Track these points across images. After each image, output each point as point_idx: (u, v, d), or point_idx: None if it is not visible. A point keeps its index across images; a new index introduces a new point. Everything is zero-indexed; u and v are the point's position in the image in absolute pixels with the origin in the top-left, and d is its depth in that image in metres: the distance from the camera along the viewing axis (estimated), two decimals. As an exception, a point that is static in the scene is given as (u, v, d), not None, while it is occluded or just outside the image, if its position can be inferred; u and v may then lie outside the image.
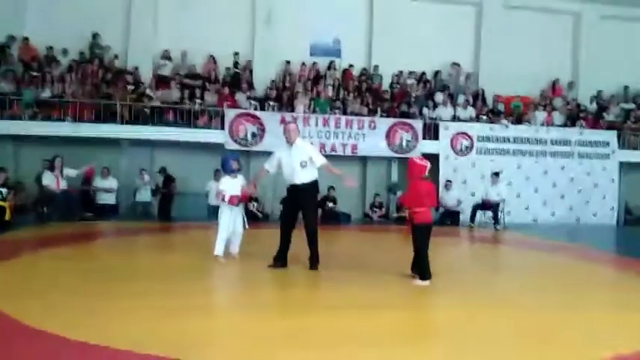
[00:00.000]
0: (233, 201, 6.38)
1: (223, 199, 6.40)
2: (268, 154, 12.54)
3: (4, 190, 9.77)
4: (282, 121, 12.90)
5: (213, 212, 12.49)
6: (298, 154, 6.25)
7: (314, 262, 6.25)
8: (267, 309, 4.63)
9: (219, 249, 6.44)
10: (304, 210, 6.33)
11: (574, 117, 15.05)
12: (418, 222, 5.73)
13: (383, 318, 4.26)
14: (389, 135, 13.47)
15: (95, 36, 13.63)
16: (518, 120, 14.77)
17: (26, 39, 13.30)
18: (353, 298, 5.05)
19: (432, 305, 4.79)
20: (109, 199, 12.29)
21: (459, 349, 3.53)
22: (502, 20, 15.63)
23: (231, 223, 6.44)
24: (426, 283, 5.54)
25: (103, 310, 4.19)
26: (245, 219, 6.69)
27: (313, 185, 6.35)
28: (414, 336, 3.81)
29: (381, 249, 8.37)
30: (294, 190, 6.30)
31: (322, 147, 12.48)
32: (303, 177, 6.23)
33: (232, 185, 6.44)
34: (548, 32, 15.91)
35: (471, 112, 14.43)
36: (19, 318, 3.78)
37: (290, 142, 6.32)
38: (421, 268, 5.64)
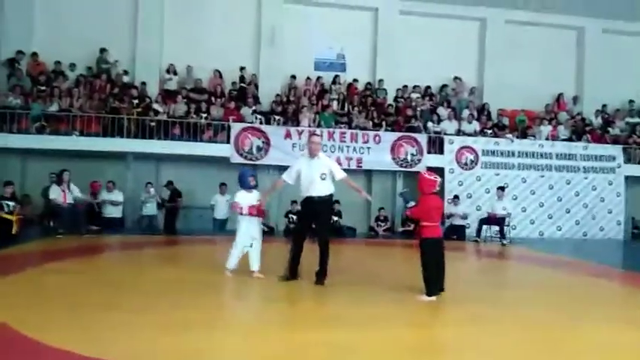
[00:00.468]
0: (252, 211, 6.34)
1: (241, 212, 6.36)
2: (273, 167, 12.96)
3: (11, 204, 9.85)
4: (287, 135, 13.00)
5: (219, 226, 12.70)
6: (319, 166, 6.27)
7: (321, 276, 6.19)
8: (271, 324, 4.61)
9: (231, 263, 6.39)
10: (319, 223, 6.31)
11: (579, 131, 15.04)
12: (427, 236, 5.70)
13: (389, 334, 4.23)
14: (394, 149, 13.50)
15: (102, 51, 13.79)
16: (523, 134, 14.77)
17: (35, 54, 13.47)
18: (360, 313, 5.02)
19: (439, 321, 4.75)
20: (115, 212, 12.34)
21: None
22: (506, 35, 15.74)
23: (248, 237, 6.36)
24: (432, 298, 5.50)
25: (104, 323, 4.19)
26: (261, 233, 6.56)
27: (330, 199, 6.37)
28: (421, 352, 3.77)
29: (387, 263, 8.35)
30: (310, 202, 6.26)
31: (327, 161, 12.50)
32: (322, 190, 6.23)
33: (249, 199, 6.43)
34: (551, 47, 15.99)
35: (475, 126, 14.46)
36: (21, 330, 3.78)
37: (313, 154, 6.31)
38: (427, 283, 5.59)
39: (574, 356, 3.81)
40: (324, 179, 6.23)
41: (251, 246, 6.39)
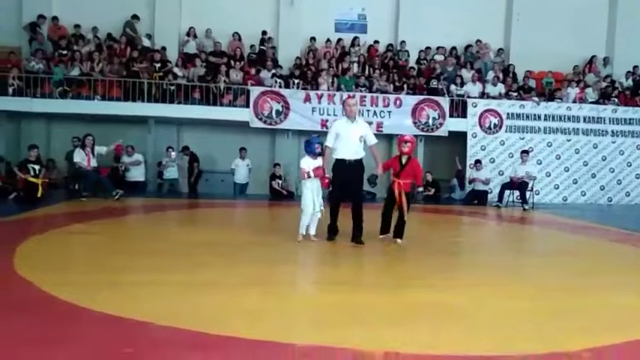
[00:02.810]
0: (319, 172, 6.41)
1: (308, 176, 6.40)
2: (293, 132, 12.90)
3: (36, 167, 10.05)
4: (307, 98, 12.89)
5: (239, 190, 12.82)
6: (358, 129, 6.48)
7: (359, 234, 6.43)
8: (297, 284, 4.68)
9: (302, 228, 6.48)
10: (354, 184, 6.51)
11: (608, 94, 14.54)
12: (409, 190, 6.54)
13: (404, 296, 4.26)
14: (415, 112, 13.28)
15: (134, 17, 13.73)
16: (550, 97, 14.35)
17: (55, 18, 13.49)
18: (376, 275, 5.07)
19: (451, 286, 4.74)
20: (138, 175, 12.49)
21: (471, 328, 3.50)
22: (535, -6, 15.10)
23: (313, 202, 6.41)
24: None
25: (125, 284, 4.28)
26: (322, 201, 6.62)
27: (362, 162, 6.51)
28: (432, 315, 3.78)
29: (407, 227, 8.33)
30: (344, 164, 6.40)
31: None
32: (358, 153, 6.44)
33: (314, 164, 6.45)
34: (582, 6, 15.29)
35: (500, 88, 14.08)
36: (49, 291, 3.89)
37: (351, 116, 6.49)
38: (402, 229, 6.51)
39: (591, 322, 3.77)
40: (360, 142, 6.45)
41: (320, 211, 6.46)
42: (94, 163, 10.69)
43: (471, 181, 12.85)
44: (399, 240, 6.53)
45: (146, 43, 13.78)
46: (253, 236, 6.95)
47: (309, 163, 6.46)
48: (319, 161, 6.51)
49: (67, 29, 13.62)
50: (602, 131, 13.89)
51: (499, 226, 9.92)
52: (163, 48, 13.56)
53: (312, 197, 6.41)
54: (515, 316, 3.83)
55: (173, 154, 12.55)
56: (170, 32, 14.07)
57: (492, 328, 3.55)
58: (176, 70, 13.04)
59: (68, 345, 2.95)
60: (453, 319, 3.69)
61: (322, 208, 6.49)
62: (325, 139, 6.66)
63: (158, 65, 12.94)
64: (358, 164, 6.46)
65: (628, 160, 13.96)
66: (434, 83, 13.76)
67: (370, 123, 12.81)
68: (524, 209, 11.61)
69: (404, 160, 6.56)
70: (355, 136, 6.42)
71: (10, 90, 12.06)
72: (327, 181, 6.52)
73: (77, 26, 13.50)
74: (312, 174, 6.39)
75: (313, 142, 6.56)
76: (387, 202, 6.70)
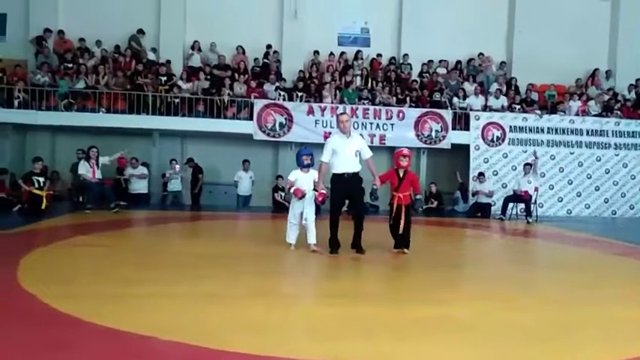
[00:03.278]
0: (297, 194, 6.61)
1: (289, 190, 6.71)
2: (296, 144, 12.94)
3: (41, 179, 10.10)
4: (310, 111, 12.95)
5: (243, 202, 12.84)
6: (354, 144, 6.65)
7: (359, 245, 6.64)
8: (300, 297, 4.67)
9: (290, 237, 6.75)
10: (355, 197, 6.76)
11: (611, 106, 14.55)
12: (409, 202, 6.72)
13: (406, 310, 4.24)
14: (418, 125, 13.32)
15: (139, 32, 13.90)
16: (553, 110, 14.38)
17: (61, 32, 13.64)
18: (379, 287, 5.06)
19: (455, 298, 4.72)
20: (141, 188, 12.52)
21: (475, 342, 3.48)
22: (536, 7, 15.17)
23: (297, 214, 6.65)
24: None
25: (128, 296, 4.28)
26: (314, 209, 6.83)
27: (359, 174, 6.67)
28: (435, 330, 3.76)
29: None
30: (343, 178, 6.55)
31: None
32: (355, 166, 6.60)
33: (303, 178, 6.69)
34: (584, 19, 15.37)
35: (503, 101, 14.12)
36: (51, 303, 3.90)
37: (346, 132, 6.68)
38: (408, 239, 6.67)
39: (585, 337, 3.74)
40: (357, 156, 6.63)
41: (306, 224, 6.66)
42: (98, 175, 10.73)
43: (474, 194, 12.84)
44: (406, 250, 6.70)
45: (151, 56, 13.90)
46: (256, 248, 6.97)
47: (296, 176, 6.71)
48: (311, 174, 6.71)
49: (73, 43, 13.75)
50: (606, 144, 13.88)
51: (503, 239, 9.89)
52: (168, 61, 13.68)
53: (300, 209, 6.63)
54: (520, 330, 3.80)
55: (177, 166, 12.59)
56: (175, 46, 14.19)
57: (497, 342, 3.53)
58: (180, 83, 13.14)
59: (69, 358, 2.95)
60: (458, 333, 3.67)
61: (312, 218, 6.65)
62: (320, 154, 6.73)
63: (164, 79, 13.04)
64: (356, 177, 6.62)
65: (632, 172, 13.93)
66: (437, 96, 13.81)
67: (373, 135, 13.00)
68: (528, 222, 11.56)
69: (401, 174, 6.69)
70: (351, 150, 6.59)
71: (16, 102, 12.17)
72: (321, 198, 6.63)
73: (82, 40, 13.63)
74: (292, 190, 6.67)
75: (302, 154, 6.76)
76: (392, 218, 6.78)
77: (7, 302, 4.02)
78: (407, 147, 13.21)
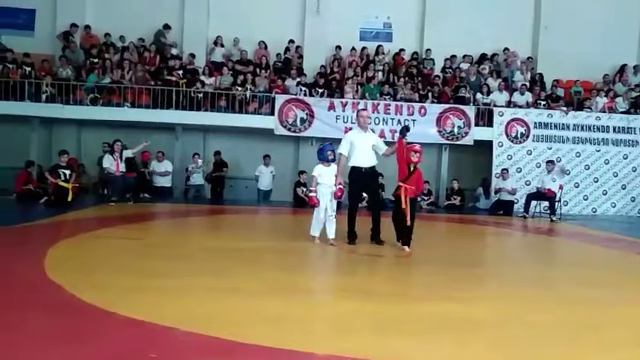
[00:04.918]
0: (312, 203, 6.79)
1: (314, 203, 6.80)
2: (317, 139, 12.94)
3: (67, 172, 10.32)
4: (331, 106, 12.95)
5: (263, 196, 12.93)
6: (370, 138, 7.05)
7: (377, 235, 6.93)
8: (317, 292, 4.70)
9: (314, 230, 6.88)
10: (372, 190, 7.22)
11: (639, 103, 14.19)
12: (414, 196, 6.73)
13: (428, 307, 4.23)
14: (439, 121, 13.20)
15: (165, 27, 14.05)
16: (579, 106, 14.09)
17: (87, 27, 13.88)
18: (398, 285, 5.06)
19: (473, 297, 4.68)
20: (164, 181, 12.73)
21: (495, 342, 3.46)
22: (562, 1, 14.86)
23: (322, 209, 6.77)
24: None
25: (151, 287, 4.36)
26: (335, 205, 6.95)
27: (376, 168, 7.07)
28: (453, 328, 3.75)
29: (429, 236, 8.26)
30: (360, 171, 6.89)
31: (371, 133, 12.41)
32: (372, 160, 6.97)
33: (325, 172, 6.82)
34: (612, 13, 15.00)
35: (527, 97, 13.89)
36: (76, 294, 4.00)
37: (364, 126, 7.07)
38: (410, 235, 6.59)
39: (621, 336, 3.68)
40: (372, 150, 6.96)
41: (329, 219, 6.81)
42: (122, 168, 10.92)
43: (497, 191, 12.68)
44: (406, 247, 6.57)
45: (173, 51, 14.04)
46: (276, 242, 7.04)
47: (320, 171, 6.85)
48: (333, 168, 6.85)
49: (99, 38, 13.99)
50: (633, 142, 13.56)
51: (524, 237, 9.76)
52: (192, 55, 13.81)
53: (325, 204, 6.75)
54: (541, 331, 3.75)
55: (199, 161, 12.73)
56: (198, 41, 14.32)
57: (518, 342, 3.50)
58: (203, 78, 13.26)
59: (93, 347, 3.03)
60: (477, 333, 3.64)
61: (334, 213, 6.80)
62: (338, 147, 6.97)
63: (180, 72, 13.15)
64: (373, 171, 7.03)
65: (659, 171, 13.59)
66: (462, 92, 13.65)
67: (394, 131, 12.88)
68: (552, 220, 11.38)
69: (412, 168, 6.74)
70: (368, 145, 6.95)
71: (44, 97, 12.43)
72: (339, 193, 6.81)
73: (107, 35, 13.85)
74: (311, 193, 6.82)
75: (326, 149, 6.90)
76: (396, 209, 6.79)
77: (35, 292, 4.14)
78: (428, 143, 13.44)
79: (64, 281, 4.33)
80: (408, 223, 6.56)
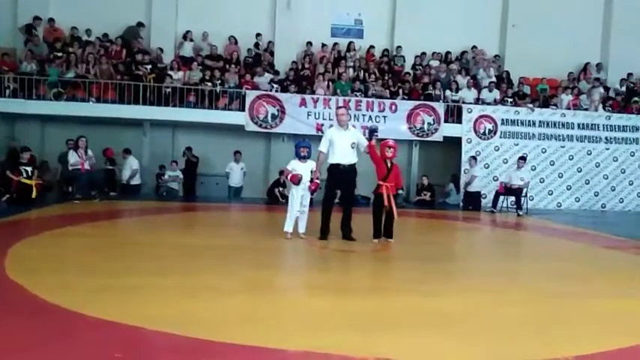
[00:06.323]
0: (294, 179, 6.84)
1: (285, 178, 6.92)
2: (288, 136, 12.86)
3: (29, 169, 10.00)
4: (302, 103, 12.89)
5: (234, 193, 12.79)
6: (350, 136, 6.97)
7: (348, 232, 6.95)
8: (291, 289, 4.66)
9: (288, 226, 6.88)
10: (347, 187, 7.07)
11: (602, 100, 14.61)
12: (395, 193, 6.89)
13: (397, 302, 4.25)
14: (410, 117, 13.30)
15: (139, 25, 13.74)
16: (545, 103, 14.42)
17: (51, 20, 13.45)
18: (371, 280, 5.06)
19: (445, 290, 4.74)
20: (133, 179, 12.44)
21: (466, 335, 3.49)
22: (530, 0, 15.16)
23: (297, 202, 6.83)
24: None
25: (118, 287, 4.25)
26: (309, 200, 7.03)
27: (355, 166, 7.01)
28: (426, 322, 3.77)
29: (402, 232, 8.32)
30: (339, 169, 6.87)
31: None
32: (351, 158, 6.92)
33: (301, 168, 6.91)
34: (577, 12, 15.36)
35: (495, 94, 14.14)
36: (39, 294, 3.86)
37: (342, 124, 7.00)
38: (392, 229, 6.86)
39: (575, 329, 3.76)
40: (353, 148, 6.90)
41: (302, 212, 6.91)
42: (87, 165, 10.64)
43: (468, 183, 12.76)
44: (390, 240, 6.87)
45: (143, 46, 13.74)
46: (248, 239, 6.97)
47: (294, 166, 6.96)
48: (308, 164, 6.95)
49: (64, 31, 13.57)
50: (596, 138, 13.95)
51: (493, 232, 9.94)
52: (160, 50, 13.55)
53: (297, 198, 6.83)
54: (511, 323, 3.82)
55: (178, 170, 12.56)
56: (166, 35, 14.05)
57: (488, 335, 3.54)
58: (171, 72, 13.02)
59: (57, 349, 2.92)
60: (449, 326, 3.67)
61: (306, 208, 6.92)
62: (317, 144, 7.07)
63: (153, 68, 12.89)
64: (352, 168, 6.94)
65: (622, 167, 14.02)
66: (430, 89, 13.79)
67: (365, 127, 12.91)
68: (519, 215, 11.63)
69: (389, 165, 6.85)
70: (347, 142, 6.87)
71: (6, 92, 12.00)
72: (313, 187, 6.91)
73: (74, 28, 13.45)
74: (289, 177, 6.99)
75: (299, 145, 7.04)
76: (376, 207, 6.94)
77: (-6, 293, 3.98)
78: (399, 139, 13.46)
79: (25, 281, 4.18)
80: (396, 217, 6.81)
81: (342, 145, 6.85)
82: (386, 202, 6.73)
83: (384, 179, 6.82)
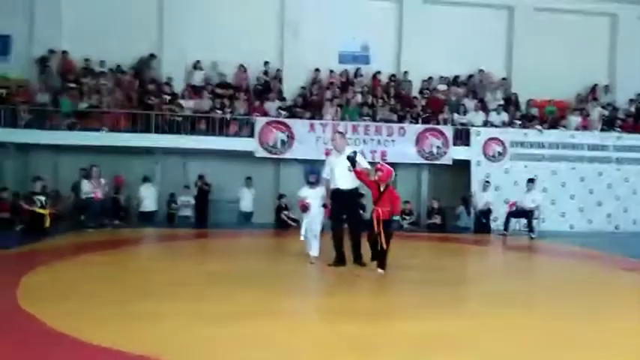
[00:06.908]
0: (301, 207, 7.11)
1: (305, 210, 7.10)
2: (298, 161, 12.94)
3: (42, 198, 10.13)
4: (311, 128, 13.00)
5: (245, 218, 12.85)
6: (345, 160, 6.82)
7: (358, 257, 6.90)
8: (300, 314, 4.66)
9: (313, 250, 7.08)
10: (350, 212, 7.02)
11: (611, 121, 14.57)
12: (388, 218, 6.50)
13: (403, 326, 4.22)
14: (419, 141, 13.34)
15: (151, 56, 14.03)
16: (553, 125, 14.40)
17: (65, 52, 13.79)
18: (376, 304, 5.03)
19: (455, 315, 4.69)
20: (148, 206, 12.60)
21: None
22: (535, 23, 15.30)
23: (309, 227, 7.03)
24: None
25: (127, 315, 4.28)
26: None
27: (356, 191, 7.03)
28: (431, 347, 3.74)
29: (410, 255, 8.26)
30: (339, 194, 6.91)
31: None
32: (348, 182, 6.85)
33: (312, 194, 7.14)
34: (583, 34, 15.46)
35: (503, 117, 14.16)
36: (47, 321, 3.91)
37: (339, 150, 7.00)
38: (384, 258, 6.43)
39: (590, 351, 3.71)
40: (351, 171, 6.77)
41: (315, 237, 7.12)
42: (100, 193, 10.77)
43: (483, 211, 12.71)
44: (380, 270, 6.42)
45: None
46: (259, 265, 7.06)
47: (305, 193, 7.15)
48: (319, 190, 7.11)
49: (77, 63, 13.89)
50: (607, 158, 13.88)
51: (505, 255, 9.84)
52: (170, 79, 13.80)
53: (309, 224, 7.00)
54: (525, 347, 3.78)
55: (190, 196, 12.75)
56: (177, 64, 14.31)
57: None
58: (182, 101, 13.24)
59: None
60: (462, 351, 3.64)
61: (318, 233, 7.08)
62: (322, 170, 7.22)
63: (168, 98, 13.13)
64: (352, 192, 6.95)
65: (633, 187, 13.90)
66: (438, 113, 13.86)
67: (374, 152, 13.01)
68: (532, 238, 11.49)
69: (382, 188, 6.62)
70: (344, 166, 6.82)
71: (22, 123, 12.26)
72: (328, 214, 7.08)
73: (87, 60, 13.76)
74: (299, 205, 7.21)
75: (308, 172, 7.25)
76: (371, 230, 6.62)
77: (5, 321, 4.02)
78: (408, 163, 13.48)
79: (36, 310, 4.23)
80: (384, 246, 6.39)
81: (340, 171, 6.90)
82: (376, 228, 6.42)
83: (375, 203, 6.62)
